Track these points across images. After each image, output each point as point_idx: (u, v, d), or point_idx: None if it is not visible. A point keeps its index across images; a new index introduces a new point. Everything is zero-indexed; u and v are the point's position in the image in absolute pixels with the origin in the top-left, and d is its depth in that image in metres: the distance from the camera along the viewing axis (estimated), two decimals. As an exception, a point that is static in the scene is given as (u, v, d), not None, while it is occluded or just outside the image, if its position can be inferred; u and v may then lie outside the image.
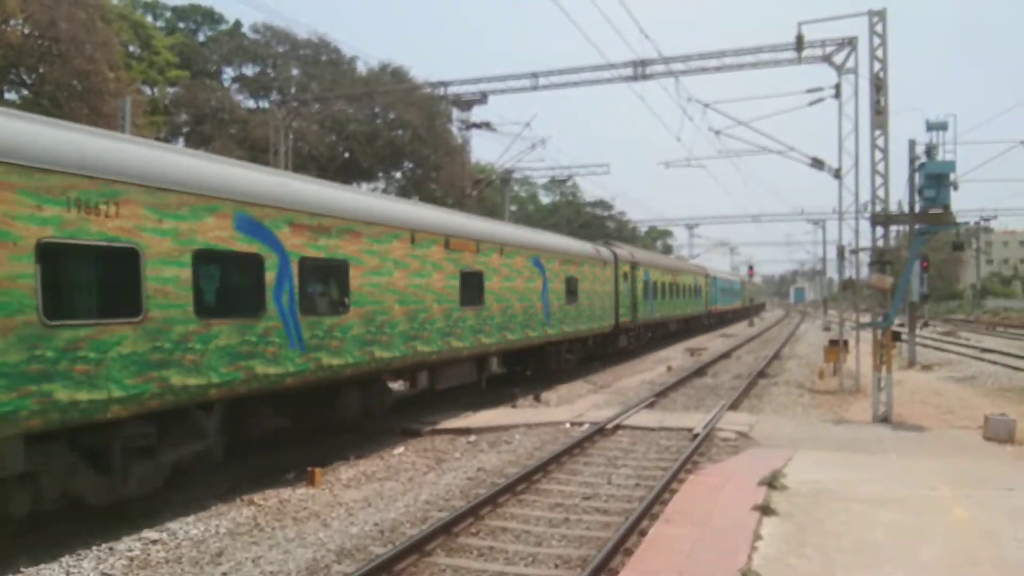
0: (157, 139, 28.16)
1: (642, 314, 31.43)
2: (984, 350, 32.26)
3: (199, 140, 38.11)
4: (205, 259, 9.61)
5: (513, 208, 63.46)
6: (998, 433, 13.80)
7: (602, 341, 27.57)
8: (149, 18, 44.62)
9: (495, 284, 17.76)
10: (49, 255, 7.68)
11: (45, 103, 25.92)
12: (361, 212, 12.94)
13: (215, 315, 9.73)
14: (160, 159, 9.27)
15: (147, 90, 39.66)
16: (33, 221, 7.54)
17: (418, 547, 7.97)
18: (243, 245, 10.20)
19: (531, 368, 22.21)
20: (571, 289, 22.80)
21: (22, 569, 7.48)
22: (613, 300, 27.33)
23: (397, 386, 16.67)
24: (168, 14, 47.40)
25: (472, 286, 16.68)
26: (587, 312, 24.31)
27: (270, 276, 10.64)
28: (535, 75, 25.59)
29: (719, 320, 59.72)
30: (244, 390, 10.15)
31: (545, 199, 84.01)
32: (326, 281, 12.20)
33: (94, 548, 8.06)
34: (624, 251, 30.11)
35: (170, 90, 42.04)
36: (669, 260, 46.48)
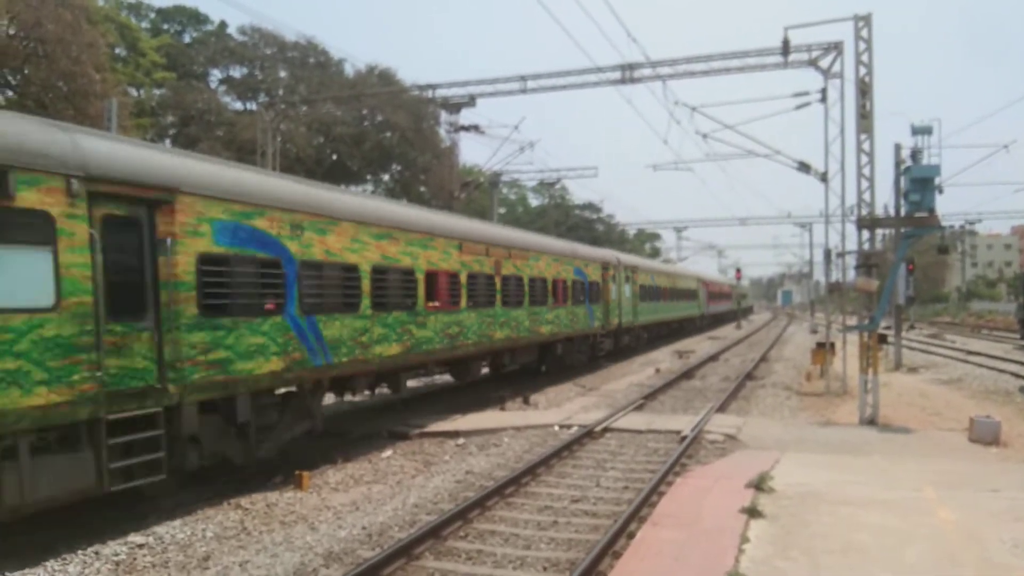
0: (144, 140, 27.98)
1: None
2: (970, 352, 32.48)
3: (186, 142, 37.88)
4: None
5: (502, 211, 63.42)
6: (983, 435, 13.90)
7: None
8: (133, 19, 44.34)
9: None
10: None
11: (30, 104, 25.69)
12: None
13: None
14: None
15: (133, 92, 39.42)
16: None
17: (406, 551, 7.96)
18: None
19: None
20: None
21: (6, 573, 7.41)
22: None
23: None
24: (152, 15, 47.14)
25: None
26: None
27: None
28: (523, 78, 25.61)
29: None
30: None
31: (534, 201, 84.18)
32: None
33: (79, 552, 8.00)
34: None
35: (157, 92, 41.81)
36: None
